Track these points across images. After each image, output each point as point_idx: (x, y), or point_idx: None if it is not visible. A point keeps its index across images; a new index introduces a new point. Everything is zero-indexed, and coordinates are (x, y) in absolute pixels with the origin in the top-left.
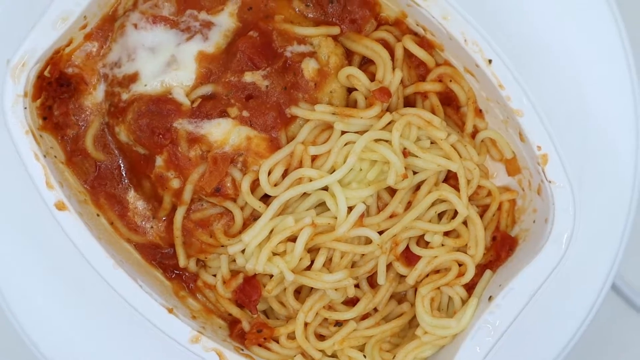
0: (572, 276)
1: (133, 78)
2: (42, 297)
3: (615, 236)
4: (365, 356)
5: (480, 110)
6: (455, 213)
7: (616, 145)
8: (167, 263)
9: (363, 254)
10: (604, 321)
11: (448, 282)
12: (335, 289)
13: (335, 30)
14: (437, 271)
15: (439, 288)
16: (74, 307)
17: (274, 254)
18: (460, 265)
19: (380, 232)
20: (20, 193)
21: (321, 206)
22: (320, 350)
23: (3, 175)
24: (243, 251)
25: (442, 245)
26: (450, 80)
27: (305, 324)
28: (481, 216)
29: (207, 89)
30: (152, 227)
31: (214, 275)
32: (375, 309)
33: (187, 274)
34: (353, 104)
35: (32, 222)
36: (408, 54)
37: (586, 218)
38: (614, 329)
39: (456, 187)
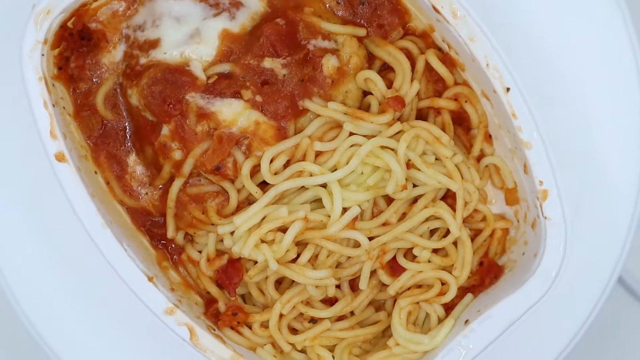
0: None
1: (154, 44)
2: (47, 287)
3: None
4: (334, 357)
5: (490, 136)
6: (448, 232)
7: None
8: (155, 232)
9: (349, 257)
10: (610, 314)
11: (428, 299)
12: (316, 286)
13: (362, 31)
14: (419, 286)
15: (418, 303)
16: (79, 297)
17: (262, 241)
18: (443, 284)
19: (370, 238)
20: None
21: (317, 202)
22: (290, 344)
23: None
24: (232, 233)
25: (429, 261)
26: (466, 101)
27: (281, 315)
28: (472, 239)
29: (224, 68)
30: (147, 193)
31: (199, 252)
32: (352, 313)
33: (172, 246)
34: (366, 108)
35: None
36: (429, 68)
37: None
38: (620, 321)
39: (453, 207)
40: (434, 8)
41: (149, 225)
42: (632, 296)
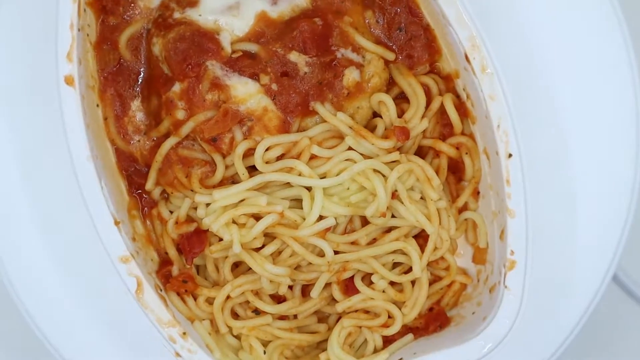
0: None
1: (193, 3)
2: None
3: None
4: (265, 352)
5: (478, 192)
6: (410, 269)
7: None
8: (135, 179)
9: (311, 263)
10: (605, 312)
11: (371, 327)
12: (271, 281)
13: (391, 56)
14: (366, 311)
15: (360, 327)
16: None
17: (234, 221)
18: (389, 317)
19: (336, 252)
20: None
21: (297, 202)
22: (228, 327)
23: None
24: (208, 205)
25: (383, 291)
26: (466, 153)
27: (228, 297)
28: (430, 284)
29: (251, 47)
30: (139, 141)
31: (171, 212)
32: (295, 316)
33: (147, 198)
34: (371, 128)
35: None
36: (442, 110)
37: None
38: (615, 320)
39: (422, 247)
40: (466, 56)
41: (131, 171)
42: (627, 294)
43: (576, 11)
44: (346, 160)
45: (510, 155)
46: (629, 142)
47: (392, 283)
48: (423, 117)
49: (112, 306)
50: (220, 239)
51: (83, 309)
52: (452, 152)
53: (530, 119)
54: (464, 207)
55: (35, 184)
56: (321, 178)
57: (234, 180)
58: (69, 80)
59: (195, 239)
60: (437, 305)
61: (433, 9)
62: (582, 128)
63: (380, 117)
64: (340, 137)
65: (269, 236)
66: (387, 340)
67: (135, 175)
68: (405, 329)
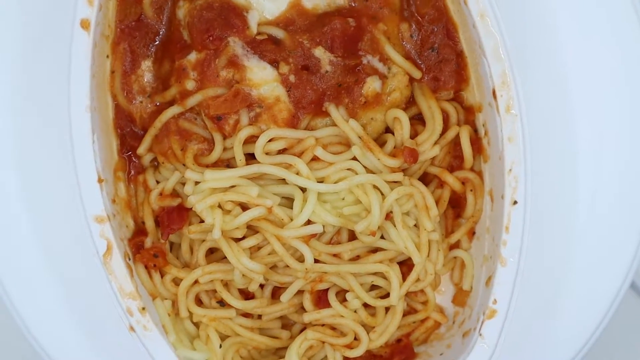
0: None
1: None
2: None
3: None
4: (221, 346)
5: (474, 233)
6: (387, 294)
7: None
8: (129, 141)
9: (288, 266)
10: (623, 319)
11: (335, 344)
12: (243, 275)
13: (417, 74)
14: (333, 328)
15: (324, 342)
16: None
17: (219, 206)
18: (356, 338)
19: (317, 261)
20: None
21: (288, 201)
22: (189, 312)
23: None
24: (197, 183)
25: (355, 311)
26: (471, 190)
27: (196, 281)
28: (404, 314)
29: (278, 33)
30: (141, 102)
31: (157, 182)
32: (260, 317)
33: (136, 162)
34: (381, 143)
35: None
36: (456, 141)
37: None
38: (633, 326)
39: (405, 276)
40: (494, 92)
41: (127, 132)
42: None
43: (615, 65)
44: (348, 169)
45: (515, 202)
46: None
47: (365, 305)
48: (436, 143)
49: (74, 269)
50: (202, 221)
51: (46, 269)
52: (457, 186)
53: (545, 169)
54: (456, 245)
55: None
56: (318, 182)
57: (228, 164)
58: (84, 24)
59: (176, 215)
60: (406, 338)
61: (471, 36)
62: (597, 178)
63: (392, 133)
64: (347, 145)
65: (251, 229)
66: None
67: (129, 137)
68: (369, 355)
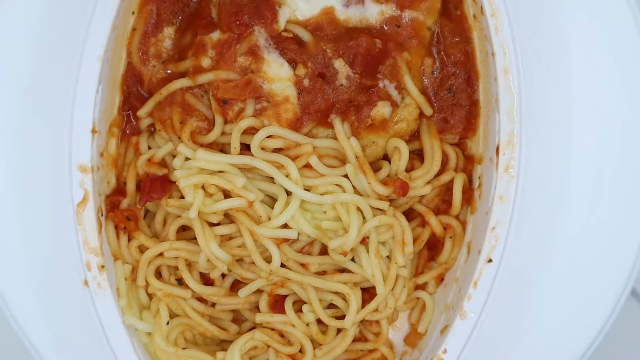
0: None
1: None
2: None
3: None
4: (168, 323)
5: (442, 279)
6: (343, 317)
7: None
8: (132, 101)
9: (254, 263)
10: (624, 327)
11: (279, 351)
12: (208, 260)
13: (429, 110)
14: (282, 335)
15: (269, 346)
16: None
17: (203, 187)
18: (301, 351)
19: (282, 265)
20: None
21: (271, 200)
22: (146, 282)
23: None
24: (187, 159)
25: (308, 324)
26: (451, 237)
27: (160, 254)
28: (354, 340)
29: (304, 35)
30: (154, 66)
31: (149, 148)
32: (214, 305)
33: (133, 123)
34: (375, 168)
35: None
36: (449, 185)
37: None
38: (633, 334)
39: (365, 302)
40: (497, 149)
41: (132, 91)
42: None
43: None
44: (337, 184)
45: (490, 261)
46: None
47: (319, 321)
48: (429, 182)
49: (46, 215)
50: (182, 197)
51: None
52: (438, 229)
53: (528, 234)
54: (422, 286)
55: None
56: (305, 189)
57: (222, 148)
58: None
59: (159, 184)
60: None
61: (490, 88)
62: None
63: (389, 161)
64: (342, 161)
65: (227, 218)
66: None
67: (133, 97)
68: None
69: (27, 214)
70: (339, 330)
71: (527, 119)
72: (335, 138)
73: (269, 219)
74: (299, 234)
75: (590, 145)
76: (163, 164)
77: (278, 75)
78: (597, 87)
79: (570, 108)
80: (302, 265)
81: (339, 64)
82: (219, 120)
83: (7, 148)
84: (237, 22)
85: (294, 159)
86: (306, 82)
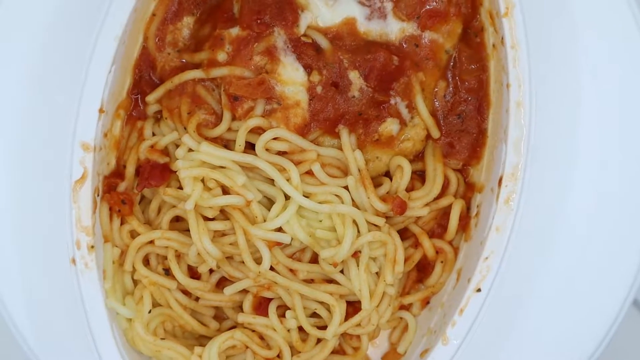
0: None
1: None
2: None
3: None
4: (150, 312)
5: (428, 303)
6: (325, 327)
7: None
8: (142, 85)
9: (243, 263)
10: (626, 337)
11: (257, 354)
12: (198, 254)
13: (436, 133)
14: (262, 337)
15: (248, 347)
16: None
17: (202, 180)
18: (279, 356)
19: (271, 268)
20: None
21: (269, 202)
22: (134, 268)
23: None
24: (190, 150)
25: (288, 331)
26: (442, 262)
27: (151, 242)
28: (333, 352)
29: (323, 42)
30: (169, 54)
31: (153, 134)
32: (197, 299)
33: (141, 108)
34: (376, 183)
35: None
36: (446, 210)
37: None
38: (635, 344)
39: (348, 316)
40: (500, 180)
41: (143, 76)
42: None
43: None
44: (336, 195)
45: (479, 290)
46: None
47: (300, 328)
48: (427, 205)
49: (42, 190)
50: (180, 188)
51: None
52: (430, 252)
53: (521, 263)
54: (407, 307)
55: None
56: (304, 196)
57: (226, 144)
58: None
59: (158, 172)
60: None
61: (500, 119)
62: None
63: (391, 179)
64: (344, 172)
65: (223, 214)
66: None
67: (144, 81)
68: None
69: (22, 186)
70: (319, 340)
71: (533, 153)
72: (340, 148)
73: (265, 221)
74: (292, 239)
75: (592, 182)
76: (165, 152)
77: (292, 78)
78: (605, 129)
79: (577, 147)
80: (291, 270)
81: (354, 76)
82: (227, 115)
83: (15, 117)
84: (258, 21)
85: (297, 164)
86: (319, 89)
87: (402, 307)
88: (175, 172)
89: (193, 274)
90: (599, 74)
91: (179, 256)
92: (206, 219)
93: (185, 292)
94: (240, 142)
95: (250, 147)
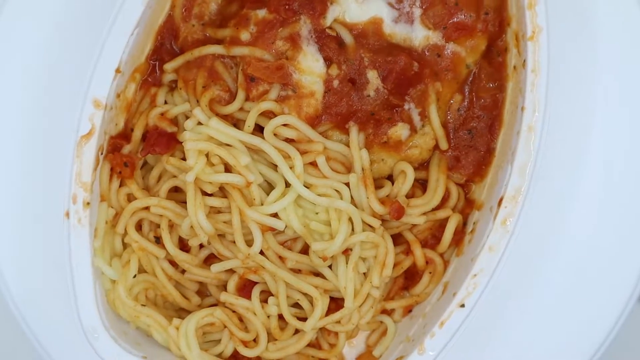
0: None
1: None
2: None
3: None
4: (135, 277)
5: (410, 311)
6: (305, 319)
7: None
8: (162, 53)
9: (234, 243)
10: (630, 333)
11: (234, 334)
12: (191, 227)
13: (444, 145)
14: (241, 319)
15: (226, 327)
16: None
17: (207, 154)
18: (255, 340)
19: (261, 253)
20: None
21: (269, 186)
22: (125, 231)
23: None
24: (199, 124)
25: (268, 317)
26: (430, 273)
27: (147, 208)
28: (309, 345)
29: (347, 38)
30: (193, 25)
31: (165, 102)
32: (183, 272)
33: (157, 74)
34: (377, 185)
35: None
36: (443, 223)
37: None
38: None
39: (330, 311)
40: (500, 201)
41: (165, 43)
42: None
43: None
44: (336, 190)
45: (462, 306)
46: None
47: (280, 316)
48: (424, 214)
49: (47, 141)
50: (183, 159)
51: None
52: (420, 262)
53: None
54: (389, 312)
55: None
56: (305, 186)
57: (235, 123)
58: None
59: (165, 140)
60: None
61: (510, 140)
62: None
63: (392, 183)
64: (348, 168)
65: (222, 191)
66: (235, 359)
67: (164, 49)
68: None
69: (31, 136)
70: (297, 331)
71: (537, 179)
72: (347, 145)
73: (262, 204)
74: (286, 226)
75: (592, 213)
76: (174, 121)
77: (311, 68)
78: (611, 165)
79: (580, 177)
80: (280, 258)
81: (372, 75)
82: (241, 95)
83: (34, 69)
84: (287, 7)
85: (302, 153)
86: (336, 83)
87: (384, 311)
88: (181, 142)
89: (183, 246)
90: (612, 106)
91: (172, 226)
92: (204, 193)
93: (173, 263)
94: (250, 123)
95: (258, 130)
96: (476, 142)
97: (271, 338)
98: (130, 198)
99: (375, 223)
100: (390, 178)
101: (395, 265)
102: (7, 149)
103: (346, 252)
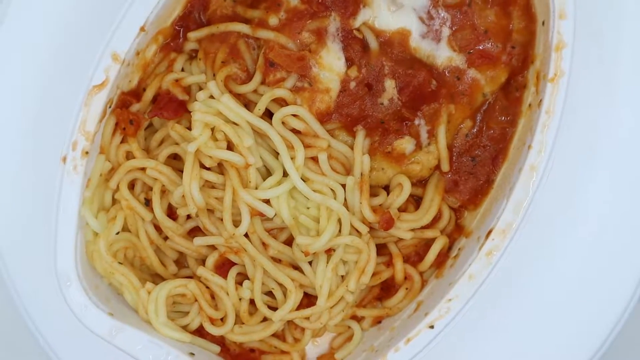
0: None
1: None
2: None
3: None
4: (118, 233)
5: (380, 322)
6: (275, 309)
7: None
8: (189, 21)
9: (222, 220)
10: (630, 335)
11: (204, 310)
12: (183, 196)
13: (446, 167)
14: (213, 297)
15: (196, 300)
16: None
17: (213, 129)
18: (222, 319)
19: (246, 236)
20: None
21: (266, 172)
22: (117, 187)
23: None
24: (211, 97)
25: (240, 299)
26: (407, 289)
27: (143, 169)
28: (274, 335)
29: (373, 43)
30: (225, 0)
31: (182, 69)
32: (166, 239)
33: (179, 41)
34: (373, 193)
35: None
36: (428, 242)
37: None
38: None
39: (302, 306)
40: (489, 233)
41: (193, 12)
42: None
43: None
44: (331, 189)
45: (432, 327)
46: None
47: (252, 302)
48: (413, 230)
49: (63, 89)
50: (189, 128)
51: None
52: (399, 276)
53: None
54: (358, 319)
55: None
56: (302, 179)
57: (246, 104)
58: None
59: (174, 106)
60: (259, 354)
61: (511, 175)
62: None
63: (388, 194)
64: (347, 170)
65: (219, 167)
66: (200, 334)
67: (192, 18)
68: (220, 340)
69: (46, 81)
70: (265, 319)
71: (530, 217)
72: (351, 147)
73: (256, 188)
74: (275, 215)
75: (579, 258)
76: (187, 90)
77: (331, 65)
78: (605, 216)
79: (574, 221)
80: (263, 244)
81: (389, 84)
82: (257, 77)
83: (57, 18)
84: (319, 0)
85: (306, 147)
86: (352, 84)
87: (354, 317)
88: (190, 112)
89: (171, 213)
90: (617, 157)
91: (164, 192)
92: (202, 166)
93: (157, 228)
94: (260, 107)
95: (267, 115)
96: (477, 171)
97: (238, 321)
98: (129, 156)
99: (363, 229)
100: (387, 188)
101: (374, 274)
102: (20, 89)
103: (329, 251)
